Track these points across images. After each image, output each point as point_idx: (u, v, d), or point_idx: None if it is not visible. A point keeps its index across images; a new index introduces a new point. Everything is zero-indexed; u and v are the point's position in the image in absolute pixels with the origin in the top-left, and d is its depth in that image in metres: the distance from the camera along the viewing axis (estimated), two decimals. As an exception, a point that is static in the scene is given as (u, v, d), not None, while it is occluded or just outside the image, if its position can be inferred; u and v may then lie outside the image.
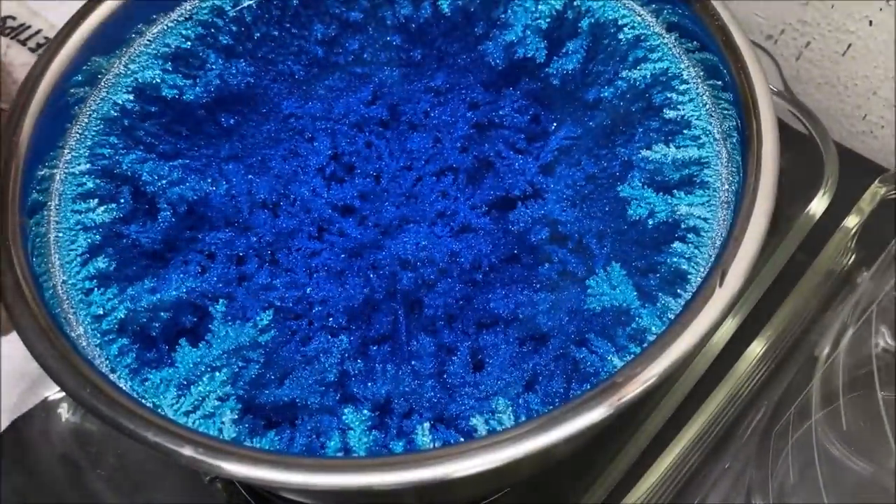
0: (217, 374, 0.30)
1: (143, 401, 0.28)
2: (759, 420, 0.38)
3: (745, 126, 0.30)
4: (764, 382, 0.40)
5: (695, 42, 0.33)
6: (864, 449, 0.30)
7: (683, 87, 0.33)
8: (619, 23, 0.35)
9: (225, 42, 0.37)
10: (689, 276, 0.29)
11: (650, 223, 0.32)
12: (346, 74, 0.42)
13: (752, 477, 0.36)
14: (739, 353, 0.38)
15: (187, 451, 0.25)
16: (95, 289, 0.31)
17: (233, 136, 0.40)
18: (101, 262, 0.31)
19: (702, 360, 0.38)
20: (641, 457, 0.37)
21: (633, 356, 0.27)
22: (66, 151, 0.33)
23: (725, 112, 0.32)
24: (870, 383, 0.30)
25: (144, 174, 0.35)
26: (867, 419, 0.30)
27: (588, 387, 0.26)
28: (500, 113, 0.41)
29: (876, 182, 0.42)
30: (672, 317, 0.28)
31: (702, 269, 0.29)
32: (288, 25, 0.39)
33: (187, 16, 0.36)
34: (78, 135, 0.33)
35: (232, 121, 0.40)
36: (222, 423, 0.28)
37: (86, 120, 0.33)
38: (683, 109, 0.33)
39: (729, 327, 0.39)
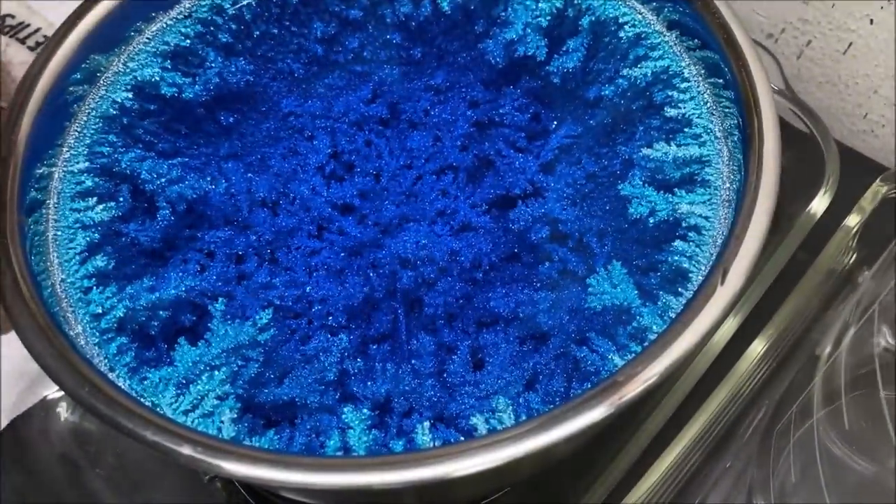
0: (216, 372, 0.30)
1: (142, 400, 0.27)
2: (761, 419, 0.38)
3: (747, 124, 0.30)
4: (765, 382, 0.40)
5: (696, 40, 0.33)
6: (865, 448, 0.30)
7: (684, 85, 0.33)
8: (620, 21, 0.35)
9: (224, 40, 0.37)
10: (690, 275, 0.29)
11: (651, 221, 0.32)
12: (345, 73, 0.42)
13: (754, 476, 0.36)
14: (741, 353, 0.38)
15: (186, 451, 0.25)
16: (94, 287, 0.31)
17: (232, 134, 0.40)
18: (99, 261, 0.31)
19: (703, 359, 0.38)
20: (642, 456, 0.37)
21: (634, 355, 0.27)
22: (64, 150, 0.33)
23: (726, 110, 0.32)
24: (872, 382, 0.30)
25: (143, 172, 0.35)
26: (869, 418, 0.30)
27: (589, 386, 0.26)
28: (501, 111, 0.41)
29: (877, 181, 0.41)
30: (673, 315, 0.28)
31: (703, 268, 0.29)
32: (287, 23, 0.39)
33: (186, 13, 0.36)
34: (77, 133, 0.33)
35: (231, 119, 0.39)
36: (221, 422, 0.28)
37: (84, 118, 0.33)
38: (684, 107, 0.32)
39: (730, 326, 0.39)
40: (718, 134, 0.31)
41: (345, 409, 0.30)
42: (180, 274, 0.36)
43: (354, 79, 0.42)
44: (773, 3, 0.51)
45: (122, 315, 0.30)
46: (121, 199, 0.34)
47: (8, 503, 0.40)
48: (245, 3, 0.37)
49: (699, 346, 0.26)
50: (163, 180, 0.36)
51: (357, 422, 0.29)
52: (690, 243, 0.30)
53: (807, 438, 0.32)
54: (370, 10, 0.39)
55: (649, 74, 0.34)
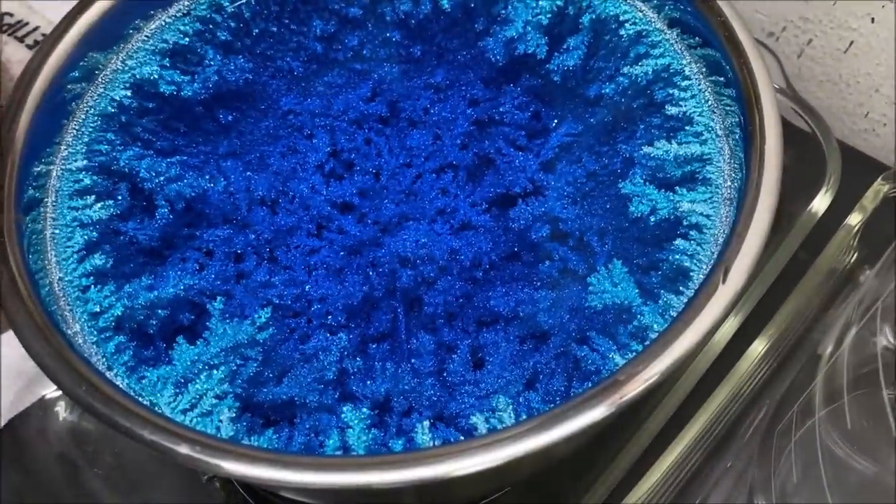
0: (215, 371, 0.30)
1: (140, 399, 0.27)
2: (762, 419, 0.38)
3: (748, 122, 0.30)
4: (766, 381, 0.39)
5: (697, 38, 0.33)
6: (867, 448, 0.30)
7: (685, 83, 0.33)
8: (621, 18, 0.35)
9: (223, 38, 0.37)
10: (691, 274, 0.29)
11: (652, 220, 0.32)
12: (345, 71, 0.41)
13: (755, 476, 0.36)
14: (742, 352, 0.38)
15: (184, 450, 0.24)
16: (92, 286, 0.30)
17: (231, 132, 0.40)
18: (97, 259, 0.31)
19: (704, 358, 0.38)
20: (643, 456, 0.36)
21: (634, 354, 0.26)
22: (62, 148, 0.33)
23: (728, 108, 0.31)
24: (874, 381, 0.29)
25: (142, 171, 0.35)
26: (871, 418, 0.30)
27: (589, 385, 0.26)
28: (501, 110, 0.41)
29: (879, 179, 0.41)
30: (674, 314, 0.28)
31: (704, 267, 0.29)
32: (287, 21, 0.39)
33: (185, 11, 0.35)
34: (75, 131, 0.33)
35: (230, 117, 0.39)
36: (220, 421, 0.28)
37: (83, 116, 0.33)
38: (685, 106, 0.32)
39: (731, 325, 0.39)
40: (720, 132, 0.31)
41: (344, 409, 0.30)
42: (179, 272, 0.36)
43: (354, 77, 0.42)
44: (773, 1, 0.51)
45: (120, 314, 0.30)
46: (119, 197, 0.34)
47: (6, 503, 0.40)
48: (244, 0, 0.37)
49: (700, 344, 0.26)
50: (161, 178, 0.36)
51: (356, 421, 0.29)
52: (691, 242, 0.29)
53: (808, 438, 0.32)
54: (370, 8, 0.39)
55: (650, 72, 0.34)
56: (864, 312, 0.33)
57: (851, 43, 0.49)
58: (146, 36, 0.35)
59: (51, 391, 0.43)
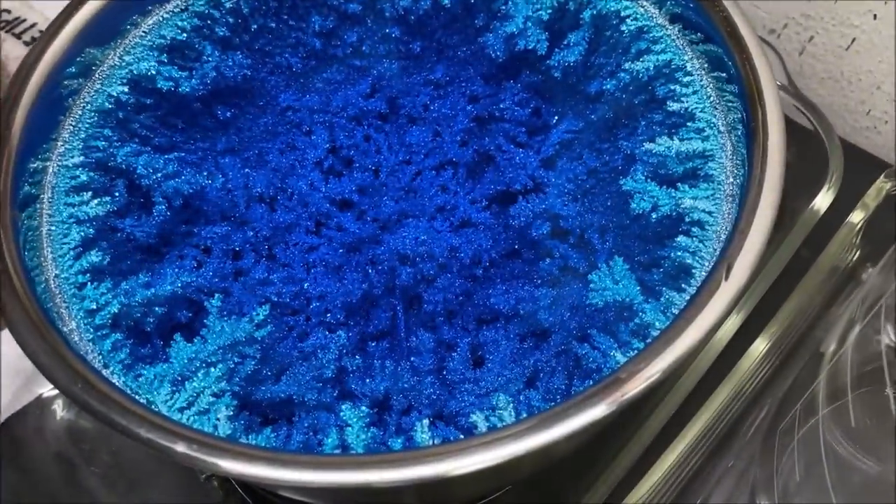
0: (212, 369, 0.29)
1: (137, 397, 0.27)
2: (764, 418, 0.38)
3: (751, 118, 0.30)
4: (768, 380, 0.39)
5: (699, 33, 0.33)
6: (870, 446, 0.30)
7: (687, 78, 0.32)
8: (622, 14, 0.34)
9: (221, 34, 0.37)
10: (693, 271, 0.28)
11: (653, 217, 0.32)
12: (344, 67, 0.41)
13: (757, 475, 0.36)
14: (743, 350, 0.38)
15: (181, 448, 0.24)
16: (89, 283, 0.30)
17: (229, 129, 0.40)
18: (94, 256, 0.31)
19: (705, 356, 0.38)
20: (644, 455, 0.36)
21: (636, 352, 0.26)
22: (59, 144, 0.32)
23: (730, 104, 0.31)
24: (878, 379, 0.29)
25: (139, 167, 0.35)
26: (874, 416, 0.30)
27: (590, 383, 0.26)
28: (501, 106, 0.41)
29: (881, 177, 0.41)
30: (676, 312, 0.27)
31: (706, 264, 0.28)
32: (285, 17, 0.38)
33: (183, 7, 0.35)
34: (71, 127, 0.33)
35: (228, 114, 0.39)
36: (217, 419, 0.27)
37: (80, 112, 0.33)
38: (687, 101, 0.32)
39: (733, 324, 0.39)
40: (722, 128, 0.31)
41: (343, 407, 0.30)
42: (176, 270, 0.36)
43: (353, 73, 0.41)
44: (775, -2, 0.50)
45: (116, 311, 0.30)
46: (116, 193, 0.34)
47: (3, 502, 0.40)
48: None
49: (703, 342, 0.25)
50: (159, 175, 0.36)
51: (355, 419, 0.29)
52: (693, 239, 0.29)
53: (811, 436, 0.32)
54: (369, 4, 0.39)
55: (651, 68, 0.33)
56: (868, 310, 0.33)
57: (853, 40, 0.48)
58: (144, 31, 0.35)
59: (48, 389, 0.43)
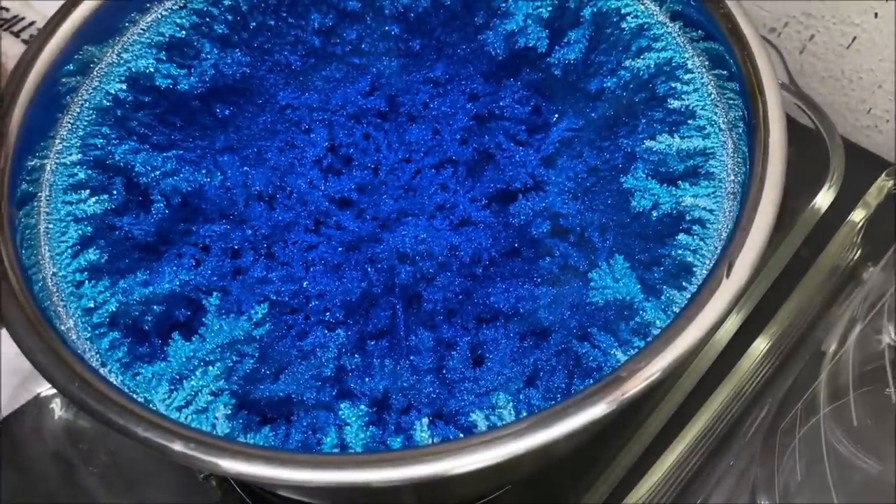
0: (210, 368, 0.29)
1: (135, 396, 0.27)
2: (764, 417, 0.38)
3: (752, 115, 0.29)
4: (768, 379, 0.39)
5: (699, 31, 0.33)
6: (871, 446, 0.30)
7: (688, 76, 0.32)
8: (622, 11, 0.34)
9: (220, 31, 0.37)
10: (694, 269, 0.28)
11: (654, 215, 0.31)
12: (343, 65, 0.41)
13: (758, 475, 0.36)
14: (744, 350, 0.38)
15: (178, 447, 0.24)
16: (86, 281, 0.30)
17: (228, 127, 0.40)
18: (92, 254, 0.31)
19: (706, 356, 0.38)
20: (644, 454, 0.36)
21: (636, 350, 0.26)
22: (57, 142, 0.32)
23: (731, 102, 0.31)
24: (879, 378, 0.29)
25: (137, 165, 0.35)
26: (875, 415, 0.30)
27: (590, 382, 0.25)
28: (501, 104, 0.41)
29: (882, 175, 0.41)
30: (677, 310, 0.27)
31: (707, 262, 0.28)
32: (284, 15, 0.38)
33: (182, 4, 0.35)
34: (69, 125, 0.33)
35: (227, 112, 0.39)
36: (216, 418, 0.27)
37: (77, 110, 0.33)
38: (688, 99, 0.32)
39: (733, 323, 0.38)
40: (723, 126, 0.31)
41: (342, 406, 0.30)
42: (175, 268, 0.36)
43: (352, 71, 0.41)
44: (776, -4, 0.50)
45: (114, 309, 0.30)
46: (114, 191, 0.34)
47: (1, 502, 0.40)
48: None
49: (704, 340, 0.25)
50: (157, 173, 0.35)
51: (354, 418, 0.29)
52: (694, 237, 0.29)
53: (812, 436, 0.32)
54: (368, 2, 0.39)
55: (652, 66, 0.33)
56: (869, 309, 0.32)
57: (854, 38, 0.48)
58: (142, 29, 0.34)
59: (46, 389, 0.43)
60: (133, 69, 0.34)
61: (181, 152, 0.37)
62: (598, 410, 0.24)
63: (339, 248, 0.40)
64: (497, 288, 0.39)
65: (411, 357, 0.37)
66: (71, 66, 0.32)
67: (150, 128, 0.36)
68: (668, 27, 0.33)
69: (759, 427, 0.38)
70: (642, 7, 0.34)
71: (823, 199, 0.41)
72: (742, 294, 0.26)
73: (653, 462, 0.35)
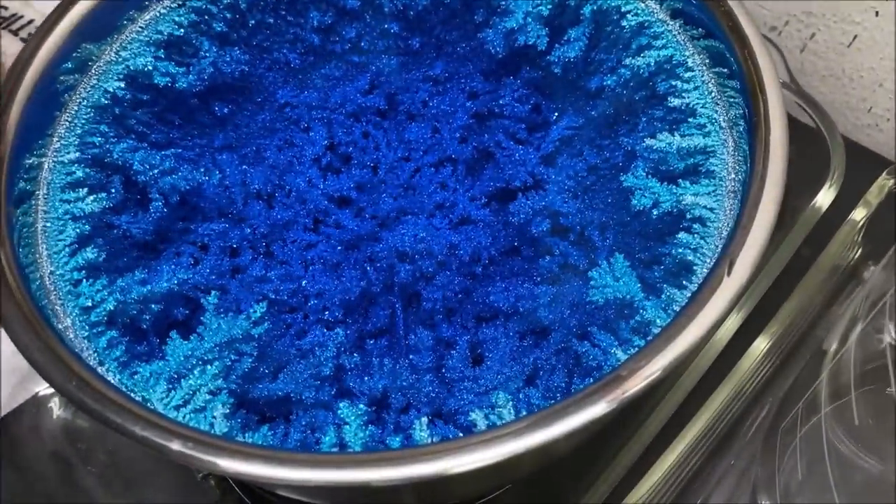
0: (209, 367, 0.29)
1: (132, 395, 0.27)
2: (765, 417, 0.37)
3: (753, 113, 0.29)
4: (769, 378, 0.39)
5: (700, 29, 0.32)
6: (872, 445, 0.30)
7: (688, 74, 0.32)
8: (623, 9, 0.34)
9: (219, 29, 0.36)
10: (694, 268, 0.28)
11: (654, 214, 0.31)
12: (342, 63, 0.41)
13: (758, 475, 0.36)
14: (744, 349, 0.38)
15: (176, 446, 0.24)
16: (84, 280, 0.30)
17: (227, 125, 0.39)
18: (90, 253, 0.31)
19: (706, 355, 0.37)
20: (644, 454, 0.36)
21: (637, 349, 0.26)
22: (54, 140, 0.32)
23: (732, 100, 0.31)
24: (881, 378, 0.29)
25: (136, 163, 0.35)
26: (877, 415, 0.30)
27: (590, 381, 0.25)
28: (501, 102, 0.41)
29: (883, 174, 0.41)
30: (677, 309, 0.27)
31: (708, 260, 0.28)
32: (283, 13, 0.38)
33: (180, 2, 0.35)
34: (67, 123, 0.32)
35: (226, 110, 0.39)
36: (214, 417, 0.27)
37: (75, 108, 0.33)
38: (688, 97, 0.32)
39: (734, 322, 0.38)
40: (723, 124, 0.31)
41: (341, 405, 0.30)
42: (173, 267, 0.35)
43: (352, 69, 0.41)
44: (776, -5, 0.50)
45: (112, 308, 0.30)
46: (112, 190, 0.34)
47: (1, 501, 0.40)
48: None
49: (704, 339, 0.25)
50: (155, 171, 0.35)
51: (353, 417, 0.29)
52: (695, 235, 0.29)
53: (813, 435, 0.31)
54: (367, 0, 0.38)
55: (652, 64, 0.33)
56: (870, 308, 0.32)
57: (855, 37, 0.48)
58: (140, 27, 0.34)
59: (44, 388, 0.42)
60: (131, 67, 0.34)
61: (180, 150, 0.37)
62: (598, 409, 0.24)
63: (339, 247, 0.40)
64: (497, 287, 0.39)
65: (410, 356, 0.37)
66: (69, 64, 0.32)
67: (149, 126, 0.36)
68: (668, 25, 0.33)
69: (759, 426, 0.37)
70: (642, 5, 0.34)
71: (824, 197, 0.41)
72: (743, 293, 0.26)
73: (653, 461, 0.35)
